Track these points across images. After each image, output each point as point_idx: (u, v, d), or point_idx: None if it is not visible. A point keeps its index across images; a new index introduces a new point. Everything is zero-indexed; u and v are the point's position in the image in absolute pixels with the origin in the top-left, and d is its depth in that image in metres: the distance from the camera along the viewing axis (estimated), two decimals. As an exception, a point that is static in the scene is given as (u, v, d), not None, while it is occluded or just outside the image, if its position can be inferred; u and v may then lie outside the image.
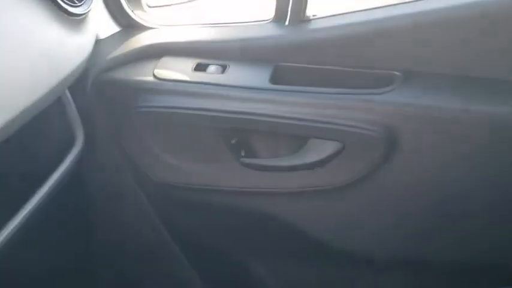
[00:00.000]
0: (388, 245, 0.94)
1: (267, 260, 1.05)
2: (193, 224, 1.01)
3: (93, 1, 0.80)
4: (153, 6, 1.12)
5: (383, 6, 0.89)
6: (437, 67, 0.85)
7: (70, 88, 0.87)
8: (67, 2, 0.73)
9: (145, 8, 1.10)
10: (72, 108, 0.88)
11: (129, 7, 1.00)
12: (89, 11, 0.78)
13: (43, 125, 0.83)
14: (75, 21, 0.75)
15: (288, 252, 1.02)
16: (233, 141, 0.89)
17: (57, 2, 0.71)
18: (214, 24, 0.99)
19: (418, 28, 0.84)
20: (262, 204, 0.94)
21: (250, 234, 1.01)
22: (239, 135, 0.89)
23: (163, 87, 0.88)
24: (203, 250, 1.05)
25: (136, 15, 1.02)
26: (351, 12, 0.90)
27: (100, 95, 0.90)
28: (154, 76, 0.89)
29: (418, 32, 0.84)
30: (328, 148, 0.85)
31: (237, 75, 0.89)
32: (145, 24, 1.02)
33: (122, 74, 0.91)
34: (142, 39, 0.97)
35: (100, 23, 0.98)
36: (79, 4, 0.76)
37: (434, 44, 0.84)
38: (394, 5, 0.89)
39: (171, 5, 1.14)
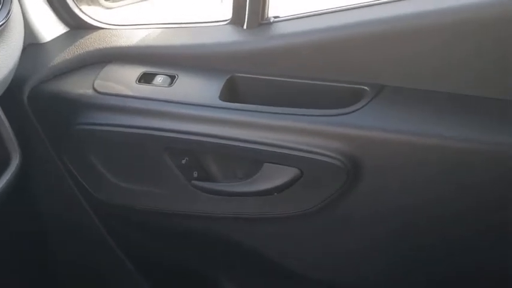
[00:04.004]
0: (351, 273, 0.86)
1: (231, 278, 0.98)
2: (144, 242, 0.94)
3: (13, 10, 0.70)
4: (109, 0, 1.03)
5: (356, 7, 0.77)
6: (417, 82, 0.73)
7: (3, 101, 0.79)
8: None
9: (102, 1, 1.00)
10: (4, 123, 0.79)
11: (76, 5, 0.90)
12: (3, 24, 0.68)
13: None
14: None
15: (251, 272, 0.95)
16: (183, 161, 0.80)
17: None
18: (167, 25, 0.88)
19: (398, 35, 0.72)
20: (217, 228, 0.86)
21: (209, 255, 0.93)
22: (190, 155, 0.80)
23: (104, 102, 0.79)
24: (158, 268, 0.99)
25: (85, 13, 0.92)
26: (317, 14, 0.78)
27: (37, 108, 0.82)
28: (95, 89, 0.79)
29: (398, 40, 0.72)
30: (284, 174, 0.75)
31: (186, 88, 0.79)
32: (94, 24, 0.91)
33: (62, 85, 0.82)
34: (87, 43, 0.87)
35: (44, 24, 0.88)
36: None
37: (416, 55, 0.72)
38: (371, 5, 0.76)
39: (130, -4, 1.04)
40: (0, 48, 0.69)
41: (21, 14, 0.78)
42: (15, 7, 0.75)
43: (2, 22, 0.67)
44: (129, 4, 1.05)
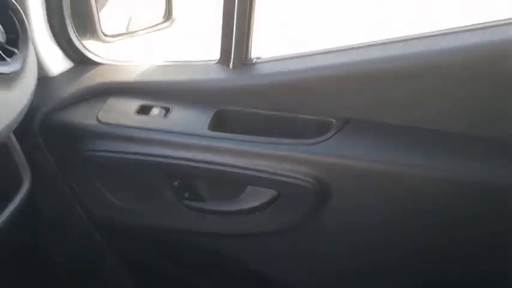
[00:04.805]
0: (329, 285, 0.97)
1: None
2: (143, 258, 1.05)
3: (28, 55, 0.80)
4: (109, 36, 1.14)
5: (326, 52, 0.90)
6: (377, 116, 0.86)
7: (16, 129, 0.89)
8: None
9: (101, 36, 1.11)
10: (17, 150, 0.90)
11: (80, 43, 1.01)
12: (20, 68, 0.78)
13: None
14: (5, 78, 0.76)
15: (238, 284, 1.05)
16: (176, 184, 0.91)
17: None
18: (162, 62, 1.00)
19: (360, 76, 0.84)
20: (205, 243, 0.97)
21: (201, 268, 1.04)
22: (182, 178, 0.91)
23: (107, 132, 0.90)
24: (157, 281, 1.09)
25: (89, 50, 1.03)
26: (293, 57, 0.91)
27: (47, 136, 0.93)
28: (99, 120, 0.90)
29: (359, 80, 0.85)
30: (264, 195, 0.87)
31: (179, 119, 0.90)
32: (97, 60, 1.03)
33: (69, 116, 0.92)
34: (91, 78, 0.98)
35: (52, 59, 0.99)
36: (8, 61, 0.76)
37: (376, 93, 0.85)
38: (336, 51, 0.89)
39: (127, 33, 1.15)
40: (20, 85, 0.79)
41: (34, 53, 0.89)
42: (31, 48, 0.85)
43: (21, 65, 0.78)
44: (126, 39, 1.16)
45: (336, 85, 0.86)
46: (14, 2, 0.79)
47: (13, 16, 0.79)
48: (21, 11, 0.80)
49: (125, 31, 1.17)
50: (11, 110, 0.77)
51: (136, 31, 1.18)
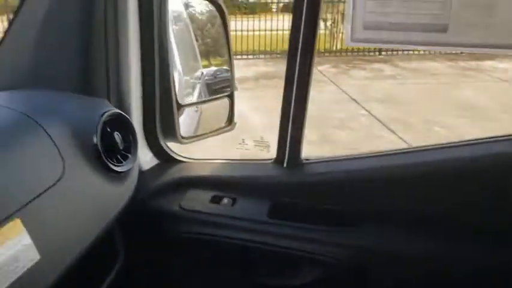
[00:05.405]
0: None
1: None
2: None
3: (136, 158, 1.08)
4: (186, 137, 1.42)
5: (361, 157, 1.13)
6: (403, 207, 1.06)
7: None
8: (114, 163, 0.99)
9: (180, 138, 1.40)
10: (117, 232, 1.14)
11: (166, 145, 1.29)
12: (131, 167, 1.05)
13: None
14: (121, 176, 1.02)
15: None
16: (244, 264, 1.12)
17: (107, 165, 0.97)
18: (229, 160, 1.26)
19: (390, 177, 1.06)
20: None
21: None
22: (246, 256, 1.12)
23: (188, 217, 1.14)
24: None
25: (172, 150, 1.30)
26: (336, 159, 1.14)
27: (140, 220, 1.17)
28: (181, 207, 1.14)
29: (389, 182, 1.07)
30: (312, 273, 1.06)
31: (244, 208, 1.14)
32: (177, 158, 1.30)
33: (157, 203, 1.17)
34: (174, 173, 1.24)
35: (144, 158, 1.26)
36: (124, 163, 1.03)
37: (402, 191, 1.06)
38: (369, 156, 1.12)
39: (198, 136, 1.43)
40: (128, 181, 1.05)
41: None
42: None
43: (132, 165, 1.05)
44: (197, 141, 1.45)
45: (370, 183, 1.08)
46: (131, 121, 1.08)
47: (128, 130, 1.07)
48: (134, 127, 1.08)
49: (197, 134, 1.47)
50: (122, 200, 1.03)
51: (205, 134, 1.47)
